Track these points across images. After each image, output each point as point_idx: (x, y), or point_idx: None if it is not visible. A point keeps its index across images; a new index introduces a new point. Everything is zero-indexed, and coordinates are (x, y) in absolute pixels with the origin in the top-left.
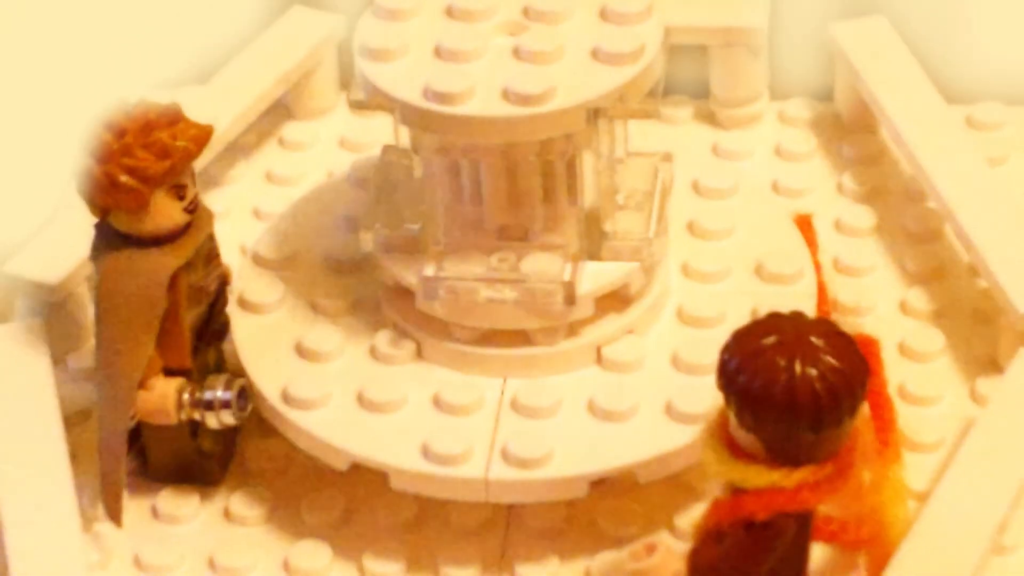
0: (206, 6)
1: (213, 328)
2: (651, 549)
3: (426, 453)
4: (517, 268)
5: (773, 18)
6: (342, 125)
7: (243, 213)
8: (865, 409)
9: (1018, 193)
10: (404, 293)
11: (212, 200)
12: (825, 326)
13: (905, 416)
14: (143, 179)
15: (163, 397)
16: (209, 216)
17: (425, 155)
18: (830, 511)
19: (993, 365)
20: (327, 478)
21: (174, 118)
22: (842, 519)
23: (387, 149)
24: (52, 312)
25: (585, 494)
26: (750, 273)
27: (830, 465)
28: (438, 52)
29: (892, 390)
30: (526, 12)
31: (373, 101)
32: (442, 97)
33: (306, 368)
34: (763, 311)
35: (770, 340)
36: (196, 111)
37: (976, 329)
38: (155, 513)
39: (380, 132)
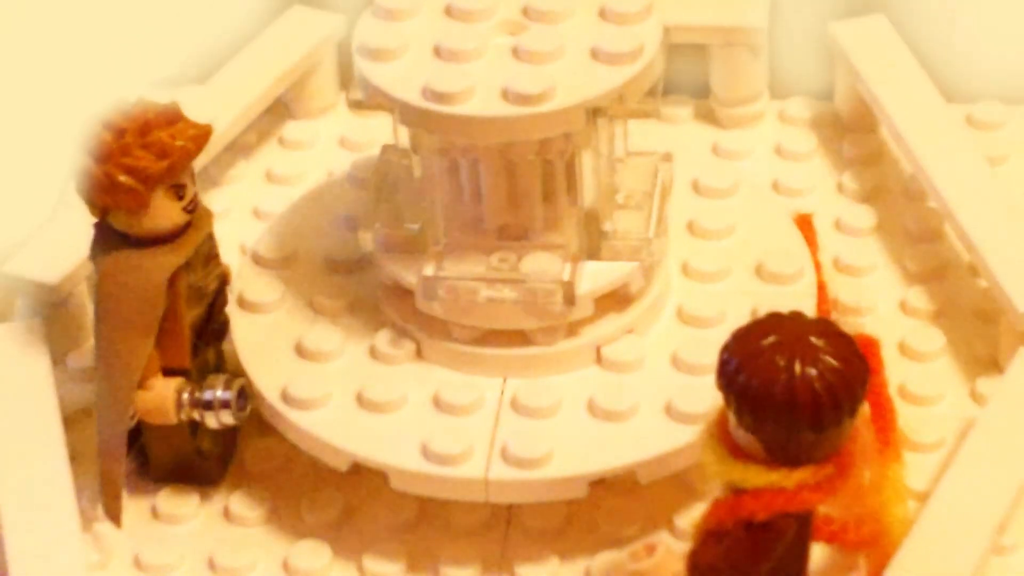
0: (205, 5)
1: (213, 328)
2: (651, 550)
3: (426, 453)
4: (517, 268)
5: (773, 17)
6: (342, 125)
7: (243, 213)
8: (865, 409)
9: (1018, 192)
10: (404, 293)
11: (212, 200)
12: (825, 326)
13: (905, 416)
14: (142, 179)
15: (162, 397)
16: (208, 216)
17: (425, 155)
18: (830, 511)
19: (993, 365)
20: (327, 478)
21: (173, 118)
22: (842, 519)
23: (386, 149)
24: (52, 312)
25: (585, 494)
26: (750, 273)
27: (830, 465)
28: (437, 52)
29: (892, 390)
30: (525, 12)
31: (372, 101)
32: (441, 97)
33: (306, 368)
34: (763, 311)
35: (770, 340)
36: (195, 110)
37: (976, 329)
38: (155, 513)
39: (380, 132)
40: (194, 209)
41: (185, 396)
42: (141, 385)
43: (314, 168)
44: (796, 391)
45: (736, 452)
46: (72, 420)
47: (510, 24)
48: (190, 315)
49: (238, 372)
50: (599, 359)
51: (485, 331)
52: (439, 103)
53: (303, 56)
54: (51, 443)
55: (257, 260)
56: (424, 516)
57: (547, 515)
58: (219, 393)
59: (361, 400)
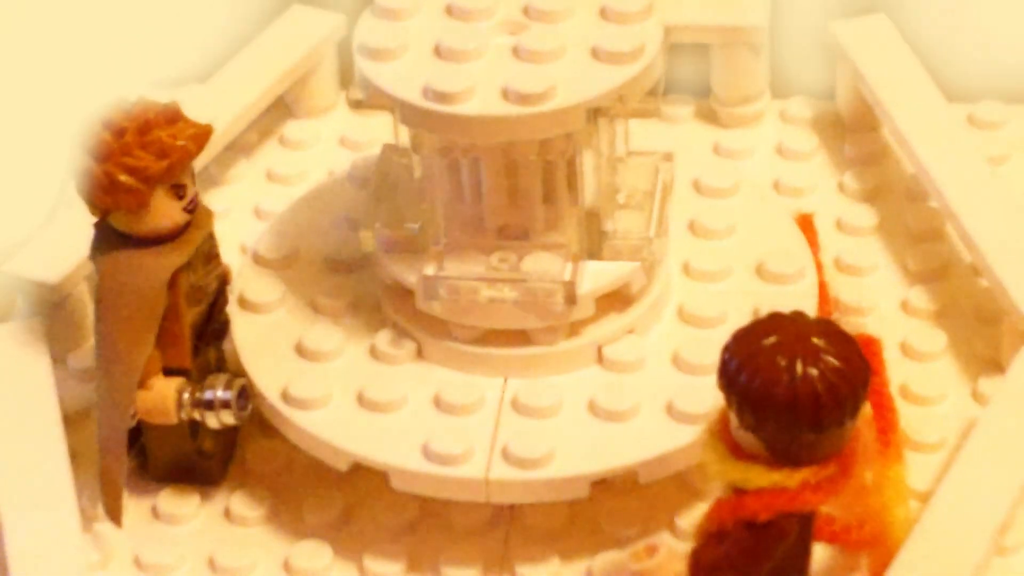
0: (206, 5)
1: (213, 328)
2: (652, 550)
3: (427, 453)
4: (517, 268)
5: (774, 17)
6: (342, 124)
7: (243, 212)
8: (867, 409)
9: (1020, 192)
10: (404, 293)
11: (212, 199)
12: (826, 326)
13: (907, 416)
14: (142, 178)
15: (163, 397)
16: (209, 215)
17: (425, 154)
18: (832, 511)
19: (995, 365)
20: (327, 478)
21: (173, 117)
22: (844, 519)
23: (387, 148)
24: (52, 311)
25: (586, 494)
26: (751, 272)
27: (832, 465)
28: (438, 51)
29: (894, 390)
30: (526, 11)
31: (373, 101)
32: (442, 96)
33: (306, 368)
34: (764, 311)
35: (771, 340)
36: (196, 110)
37: (978, 329)
38: (155, 513)
39: (380, 131)
40: (194, 209)
41: (186, 396)
42: (142, 385)
43: (315, 168)
44: (798, 391)
45: (737, 452)
46: (72, 420)
47: (510, 24)
48: (191, 315)
49: (239, 372)
50: (600, 359)
51: (486, 331)
52: (440, 103)
53: (303, 55)
54: (51, 443)
55: (258, 260)
56: (425, 516)
57: (548, 515)
58: (220, 393)
59: (362, 400)
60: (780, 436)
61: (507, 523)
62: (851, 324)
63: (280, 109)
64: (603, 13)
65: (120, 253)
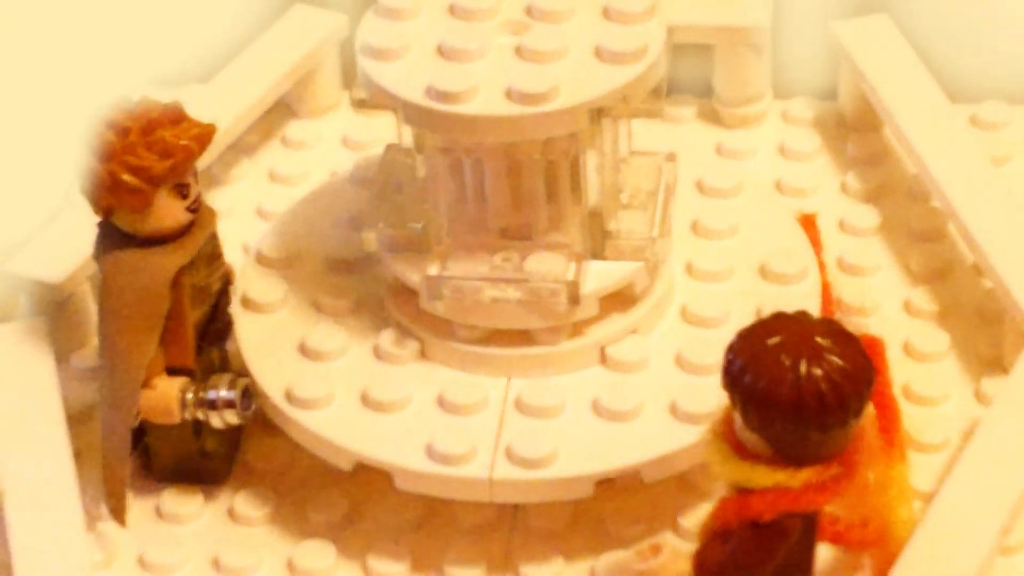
0: (208, 5)
1: (216, 327)
2: (657, 550)
3: (430, 453)
4: (521, 267)
5: (776, 17)
6: (345, 124)
7: (246, 212)
8: (870, 409)
9: (1022, 192)
10: (408, 292)
11: (215, 199)
12: (830, 326)
13: (910, 416)
14: (146, 178)
15: (167, 396)
16: (212, 215)
17: (428, 154)
18: (835, 511)
19: (998, 365)
20: (331, 478)
21: (177, 117)
22: (847, 519)
23: (390, 148)
24: (56, 311)
25: (590, 494)
26: (754, 273)
27: (836, 465)
28: (441, 51)
29: (897, 390)
30: (529, 11)
31: (376, 100)
32: (445, 96)
33: (310, 367)
34: (767, 311)
35: (775, 340)
36: (198, 110)
37: (981, 329)
38: (159, 513)
39: (383, 131)
40: (198, 208)
41: (189, 395)
42: (145, 384)
43: (317, 168)
44: (802, 391)
45: (741, 452)
46: (76, 419)
47: (513, 23)
48: (194, 314)
49: (242, 372)
50: (603, 359)
51: (489, 331)
52: (443, 102)
53: (305, 55)
54: (55, 442)
55: (261, 260)
56: (429, 516)
57: (552, 515)
58: (223, 393)
59: (365, 400)
60: (784, 436)
61: (511, 523)
62: (854, 324)
63: (282, 109)
64: (606, 13)
65: (123, 253)
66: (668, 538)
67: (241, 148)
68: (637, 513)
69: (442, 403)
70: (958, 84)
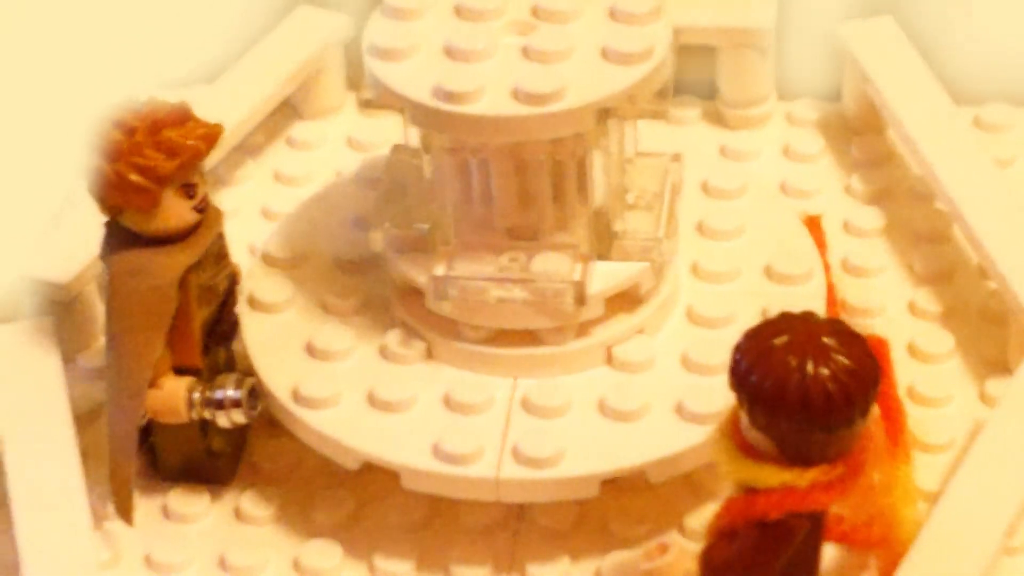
0: (213, 6)
1: (223, 327)
2: (664, 549)
3: (437, 452)
4: (527, 268)
5: (781, 19)
6: (350, 125)
7: (252, 213)
8: (876, 410)
9: None
10: (414, 293)
11: (221, 200)
12: (837, 326)
13: (915, 417)
14: (153, 178)
15: (173, 396)
16: (218, 215)
17: (435, 155)
18: (841, 511)
19: (1003, 366)
20: (337, 477)
21: (183, 117)
22: (853, 519)
23: (396, 148)
24: (62, 311)
25: (596, 494)
26: (759, 274)
27: (842, 465)
28: (448, 51)
29: (901, 391)
30: (535, 11)
31: (383, 101)
32: (452, 96)
33: (316, 367)
34: (773, 311)
35: (782, 340)
36: (204, 111)
37: (985, 330)
38: (166, 512)
39: (388, 131)
40: (204, 208)
41: (196, 395)
42: (152, 384)
43: (322, 168)
44: (809, 391)
45: (748, 451)
46: (83, 419)
47: (520, 24)
48: (201, 314)
49: (249, 371)
50: (609, 359)
51: (495, 331)
52: (450, 103)
53: (310, 56)
54: (62, 442)
55: (267, 260)
56: (435, 515)
57: (558, 515)
58: (230, 392)
59: (372, 399)
60: (791, 435)
61: (517, 522)
62: (858, 325)
63: (287, 110)
64: (612, 14)
65: (130, 252)
66: (674, 538)
67: (246, 149)
68: (643, 513)
69: (449, 403)
70: (962, 86)
